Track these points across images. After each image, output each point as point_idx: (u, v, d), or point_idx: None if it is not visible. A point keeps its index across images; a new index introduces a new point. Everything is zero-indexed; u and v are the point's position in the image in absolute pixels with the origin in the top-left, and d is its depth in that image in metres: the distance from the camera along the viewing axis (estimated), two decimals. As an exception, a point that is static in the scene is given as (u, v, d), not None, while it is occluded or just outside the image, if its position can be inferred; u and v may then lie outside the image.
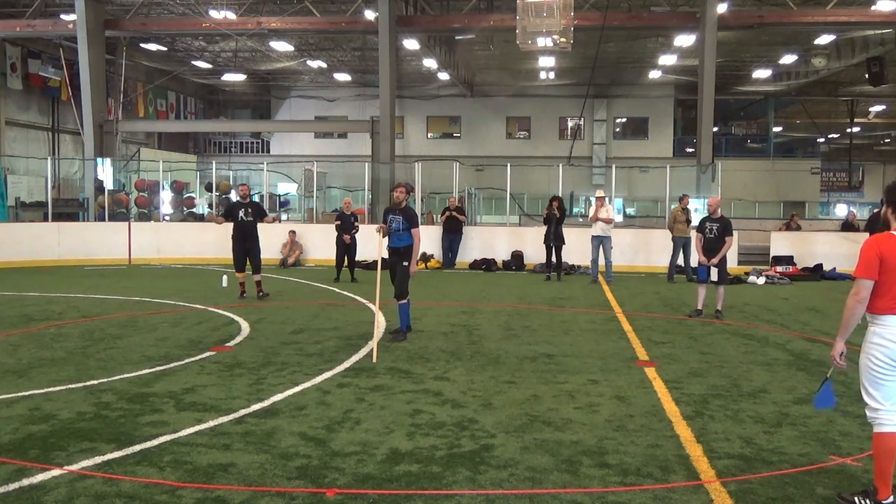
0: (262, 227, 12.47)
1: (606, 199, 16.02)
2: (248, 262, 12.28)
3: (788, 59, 29.72)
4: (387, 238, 8.90)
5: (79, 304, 11.48)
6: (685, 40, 24.41)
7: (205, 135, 39.66)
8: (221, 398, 6.13)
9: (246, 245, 12.05)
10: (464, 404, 6.06)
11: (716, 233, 10.84)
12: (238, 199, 12.15)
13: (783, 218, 31.82)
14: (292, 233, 18.72)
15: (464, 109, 38.80)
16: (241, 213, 11.91)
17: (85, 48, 22.73)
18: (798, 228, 20.97)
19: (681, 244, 16.01)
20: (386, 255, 9.13)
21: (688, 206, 16.22)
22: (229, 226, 12.29)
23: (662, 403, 6.15)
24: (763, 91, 38.05)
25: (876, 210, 12.43)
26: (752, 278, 16.30)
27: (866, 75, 27.22)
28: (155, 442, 5.03)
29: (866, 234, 12.55)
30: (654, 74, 33.35)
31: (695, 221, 15.02)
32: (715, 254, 10.76)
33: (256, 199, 23.40)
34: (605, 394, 6.45)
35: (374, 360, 7.63)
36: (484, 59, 33.05)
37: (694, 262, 14.71)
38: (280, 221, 17.85)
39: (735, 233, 12.18)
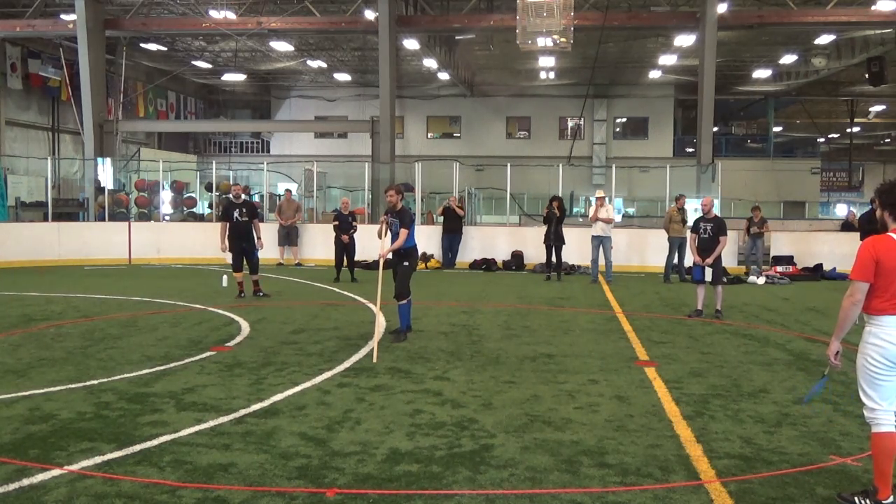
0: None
1: (606, 198, 16.04)
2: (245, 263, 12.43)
3: (788, 59, 29.71)
4: (388, 238, 8.89)
5: (79, 304, 11.48)
6: (685, 40, 24.41)
7: (205, 135, 39.66)
8: (221, 398, 6.13)
9: (242, 245, 12.24)
10: (464, 404, 6.06)
11: (710, 233, 10.84)
12: (232, 198, 12.49)
13: (782, 218, 31.83)
14: (288, 191, 19.10)
15: (464, 109, 38.79)
16: (236, 214, 12.17)
17: (85, 48, 22.75)
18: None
19: (676, 244, 16.02)
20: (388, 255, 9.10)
21: (683, 207, 16.23)
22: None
23: (662, 403, 6.15)
24: (763, 91, 38.05)
25: (868, 210, 12.31)
26: (752, 278, 16.30)
27: (866, 75, 27.22)
28: (155, 442, 5.02)
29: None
30: (654, 74, 33.35)
31: (691, 222, 15.01)
32: (709, 254, 10.77)
33: (256, 199, 23.51)
34: (605, 394, 6.44)
35: (375, 360, 7.63)
36: (484, 59, 33.04)
37: (688, 262, 14.76)
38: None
39: (732, 233, 12.18)
